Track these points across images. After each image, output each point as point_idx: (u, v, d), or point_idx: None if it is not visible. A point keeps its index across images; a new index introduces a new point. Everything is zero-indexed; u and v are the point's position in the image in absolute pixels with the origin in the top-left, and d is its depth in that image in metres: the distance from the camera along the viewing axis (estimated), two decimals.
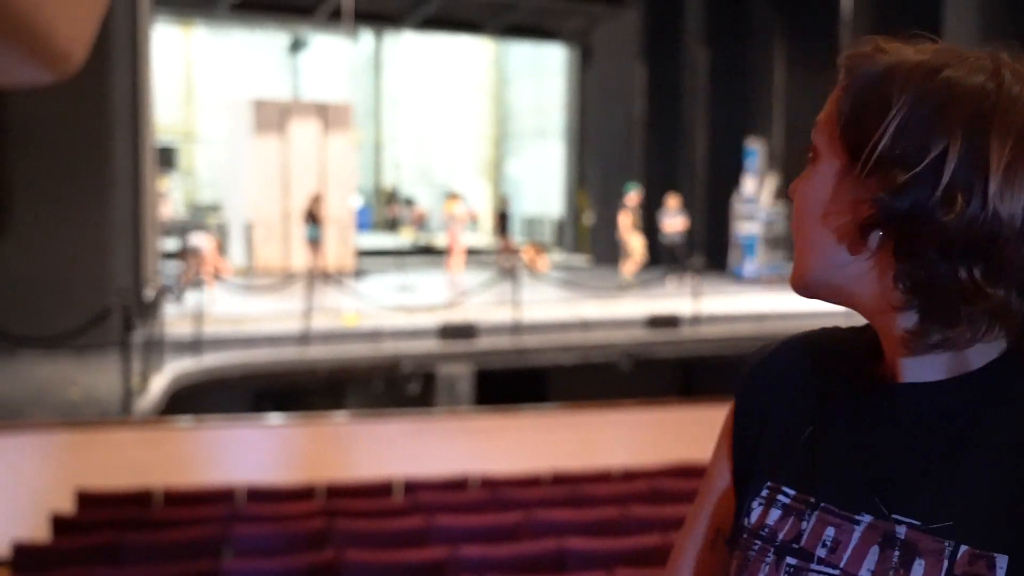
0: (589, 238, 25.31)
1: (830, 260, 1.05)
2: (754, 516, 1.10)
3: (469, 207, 30.11)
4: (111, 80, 11.69)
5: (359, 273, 19.80)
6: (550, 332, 13.45)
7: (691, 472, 7.59)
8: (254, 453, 8.56)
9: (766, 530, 1.08)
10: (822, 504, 1.05)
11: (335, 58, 32.83)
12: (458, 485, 7.17)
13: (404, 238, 30.15)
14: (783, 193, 20.40)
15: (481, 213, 31.79)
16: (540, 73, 30.48)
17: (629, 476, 7.43)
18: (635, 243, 18.41)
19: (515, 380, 13.46)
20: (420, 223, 30.94)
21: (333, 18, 22.41)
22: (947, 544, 0.97)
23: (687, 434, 9.43)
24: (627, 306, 14.99)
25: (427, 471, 7.67)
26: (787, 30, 21.04)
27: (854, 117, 1.03)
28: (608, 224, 23.69)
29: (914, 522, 0.99)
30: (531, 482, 7.24)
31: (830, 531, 1.03)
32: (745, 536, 1.10)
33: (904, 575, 0.98)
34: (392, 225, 32.99)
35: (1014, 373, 1.02)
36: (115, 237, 11.78)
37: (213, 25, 29.91)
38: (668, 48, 21.93)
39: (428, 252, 25.84)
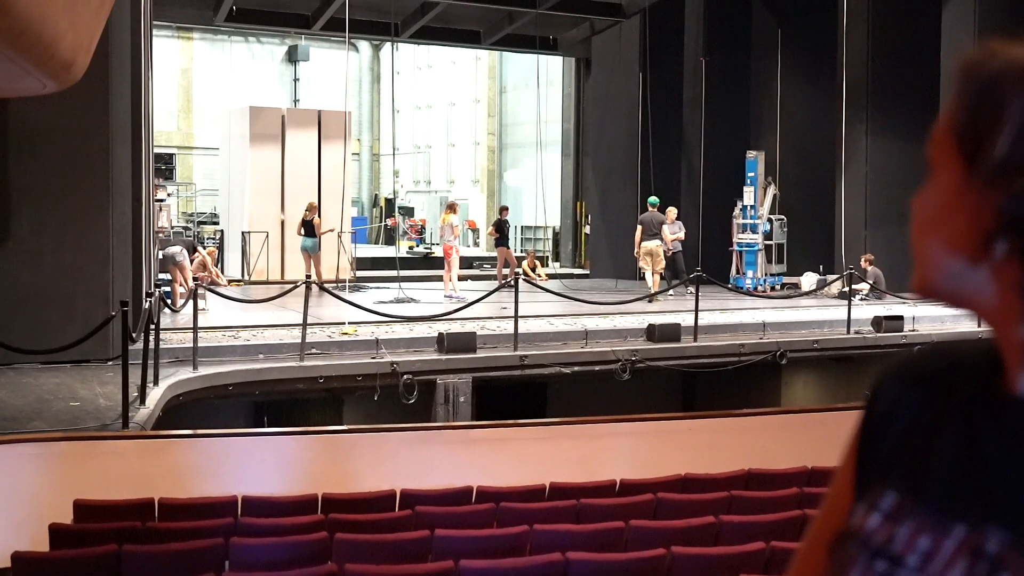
0: (588, 249, 25.32)
1: (951, 270, 1.02)
2: (856, 518, 1.08)
3: (467, 217, 30.15)
4: (112, 90, 11.67)
5: (356, 283, 19.76)
6: (550, 343, 13.43)
7: (692, 484, 7.56)
8: (253, 464, 8.52)
9: (864, 533, 1.06)
10: (920, 511, 1.03)
11: (333, 68, 32.87)
12: (459, 498, 7.13)
13: (402, 248, 30.17)
14: (782, 204, 20.43)
15: (479, 223, 31.80)
16: (539, 83, 30.52)
17: (630, 488, 7.40)
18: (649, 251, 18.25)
19: (515, 391, 13.43)
20: (418, 233, 30.95)
21: (331, 28, 22.42)
22: None
23: (688, 446, 9.41)
24: (627, 317, 14.97)
25: (427, 483, 7.63)
26: (787, 41, 21.08)
27: (969, 125, 1.00)
28: (607, 234, 23.70)
29: (1007, 534, 0.97)
30: (533, 495, 7.21)
31: (924, 541, 1.01)
32: (844, 538, 1.09)
33: None
34: (390, 235, 33.01)
35: None
36: (115, 248, 11.75)
37: (212, 35, 29.93)
38: (668, 59, 21.95)
39: (426, 262, 25.84)
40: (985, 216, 0.99)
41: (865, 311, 15.84)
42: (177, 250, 16.25)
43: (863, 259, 18.06)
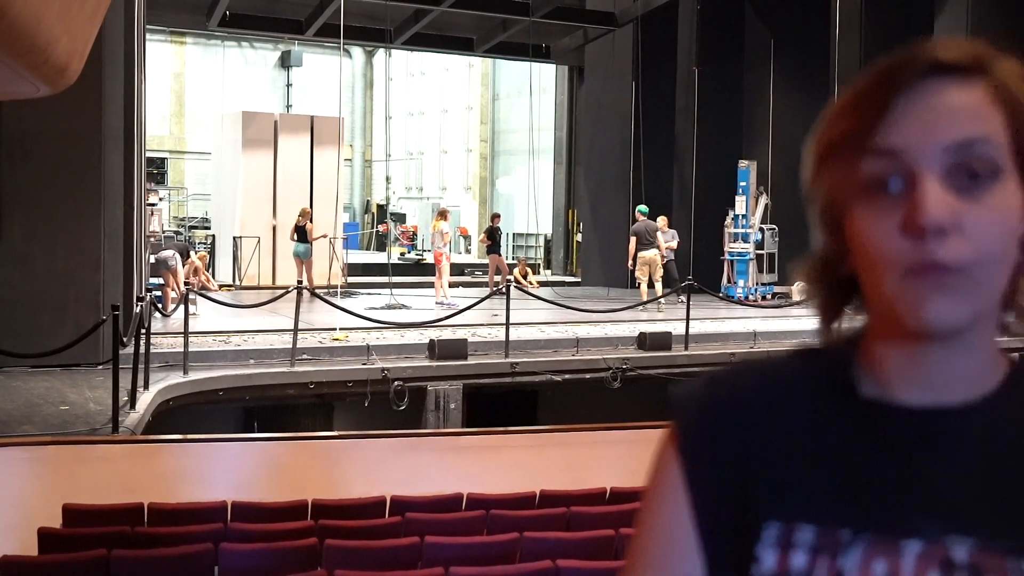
0: (579, 256, 25.35)
1: (1007, 278, 1.02)
2: (768, 564, 1.01)
3: (458, 224, 30.17)
4: (105, 94, 11.67)
5: (348, 289, 19.76)
6: (540, 350, 13.44)
7: None
8: (242, 470, 8.50)
9: (798, 573, 1.00)
10: (862, 537, 0.99)
11: (326, 74, 32.87)
12: (450, 505, 7.13)
13: (393, 254, 30.16)
14: (774, 213, 20.46)
15: (471, 230, 31.83)
16: (532, 91, 30.54)
17: (621, 496, 7.40)
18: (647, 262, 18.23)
19: (505, 398, 13.43)
20: (409, 239, 30.95)
21: (324, 34, 22.43)
22: (1010, 561, 0.96)
23: None
24: (618, 325, 14.98)
25: (416, 490, 7.62)
26: (779, 51, 21.15)
27: (1021, 129, 1.01)
28: (598, 242, 23.73)
29: (972, 542, 0.97)
30: (523, 502, 7.21)
31: (879, 567, 0.98)
32: None
33: None
34: (381, 241, 33.01)
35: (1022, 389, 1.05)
36: (107, 252, 11.73)
37: (205, 40, 29.93)
38: (660, 68, 22.00)
39: (417, 268, 25.85)
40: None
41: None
42: (169, 254, 16.23)
43: None
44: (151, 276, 15.55)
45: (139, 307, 10.28)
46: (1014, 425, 1.03)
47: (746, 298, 19.33)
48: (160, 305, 13.75)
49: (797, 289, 19.40)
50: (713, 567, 1.06)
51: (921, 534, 0.98)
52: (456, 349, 12.70)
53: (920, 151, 0.98)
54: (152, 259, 15.88)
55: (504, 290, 13.68)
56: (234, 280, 21.33)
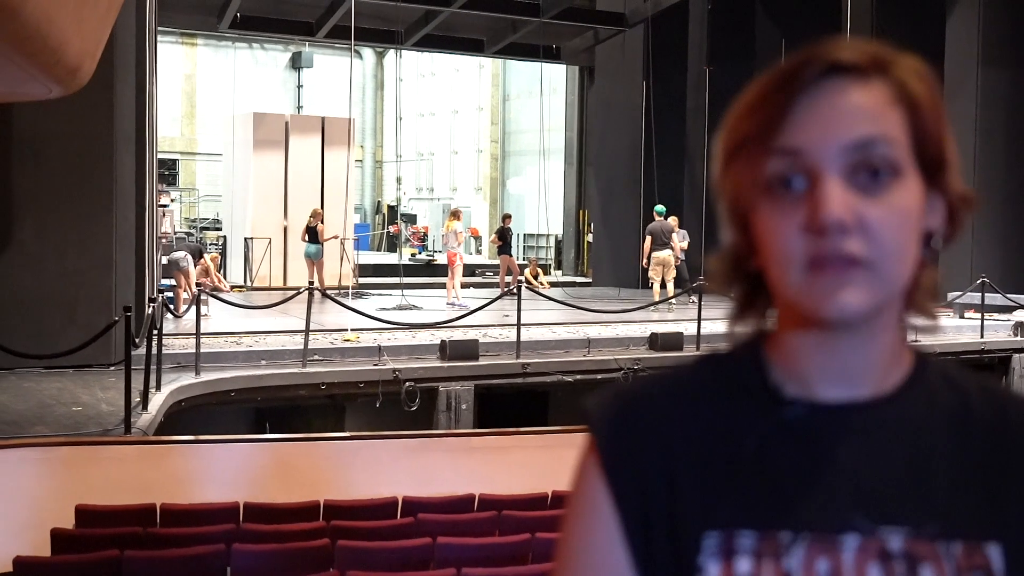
0: (590, 257, 25.34)
1: (909, 273, 1.04)
2: (716, 571, 1.01)
3: (470, 224, 30.18)
4: (116, 96, 11.70)
5: (359, 289, 19.77)
6: (552, 351, 13.43)
7: None
8: (254, 470, 8.51)
9: None
10: (801, 536, 1.01)
11: (336, 75, 32.91)
12: (461, 506, 7.13)
13: (404, 255, 30.20)
14: None
15: (482, 231, 31.84)
16: (542, 92, 30.56)
17: None
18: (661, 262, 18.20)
19: (516, 399, 13.43)
20: (420, 240, 30.98)
21: (335, 36, 22.45)
22: (941, 545, 1.00)
23: None
24: (629, 325, 14.97)
25: (428, 490, 7.62)
26: (790, 49, 20.95)
27: (920, 129, 1.04)
28: (609, 243, 23.72)
29: (904, 530, 1.00)
30: (535, 503, 7.20)
31: (822, 564, 0.99)
32: None
33: None
34: (392, 242, 33.05)
35: (927, 378, 1.09)
36: (118, 253, 11.76)
37: (216, 42, 29.99)
38: (671, 67, 21.98)
39: (428, 269, 25.86)
40: (931, 216, 1.06)
41: None
42: (182, 255, 16.27)
43: None
44: (163, 277, 15.59)
45: (151, 308, 10.30)
46: (924, 413, 1.07)
47: None
48: (172, 306, 13.77)
49: None
50: None
51: (856, 528, 1.01)
52: (467, 350, 12.70)
53: (821, 150, 1.00)
54: (164, 260, 15.92)
55: (515, 291, 13.67)
56: (245, 281, 21.36)
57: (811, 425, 1.05)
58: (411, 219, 33.57)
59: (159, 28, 15.00)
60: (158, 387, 10.28)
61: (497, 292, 16.53)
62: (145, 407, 9.52)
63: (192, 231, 27.31)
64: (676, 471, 1.06)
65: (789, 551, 1.00)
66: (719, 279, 1.14)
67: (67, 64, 4.12)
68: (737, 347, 1.14)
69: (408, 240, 30.66)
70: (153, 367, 10.18)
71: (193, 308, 11.95)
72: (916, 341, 1.14)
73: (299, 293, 12.78)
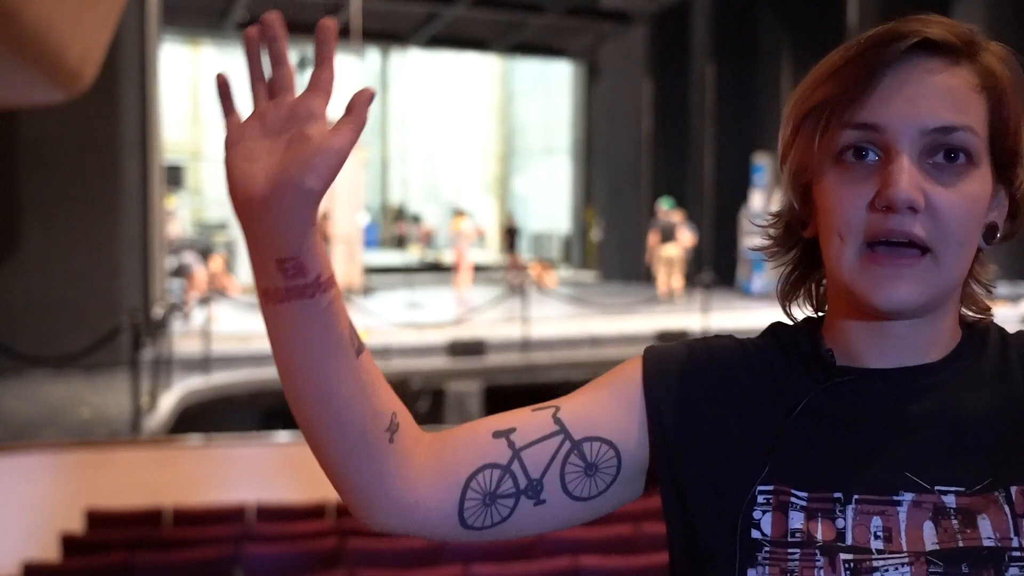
0: (596, 254, 25.32)
1: (968, 265, 1.05)
2: (767, 525, 1.01)
3: (476, 224, 30.17)
4: (120, 99, 11.73)
5: (367, 290, 19.79)
6: (559, 348, 13.43)
7: None
8: (264, 471, 8.53)
9: (798, 535, 1.00)
10: (856, 497, 1.01)
11: (342, 76, 32.88)
12: None
13: (412, 255, 30.18)
14: None
15: (488, 230, 31.84)
16: (547, 90, 30.56)
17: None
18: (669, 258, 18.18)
19: (524, 397, 13.36)
20: (428, 240, 30.98)
21: (340, 36, 22.40)
22: (998, 493, 0.99)
23: None
24: (636, 322, 14.96)
25: None
26: (794, 46, 21.06)
27: (1001, 120, 1.03)
28: (617, 240, 23.71)
29: (959, 489, 0.99)
30: None
31: (876, 521, 0.99)
32: (768, 548, 1.00)
33: (972, 534, 0.97)
34: (400, 242, 33.04)
35: (974, 342, 1.09)
36: (124, 256, 11.80)
37: (221, 44, 29.99)
38: (675, 64, 21.96)
39: (436, 269, 25.85)
40: (998, 209, 1.08)
41: None
42: (191, 257, 16.29)
43: None
44: (173, 279, 15.62)
45: (159, 310, 10.32)
46: (972, 374, 1.06)
47: (764, 293, 19.25)
48: (183, 308, 13.79)
49: None
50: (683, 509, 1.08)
51: (910, 486, 1.00)
52: (474, 348, 12.71)
53: (901, 130, 0.99)
54: (173, 263, 15.95)
55: (522, 288, 13.67)
56: (252, 283, 21.36)
57: (861, 390, 1.06)
58: (417, 219, 33.56)
59: (164, 31, 15.02)
60: (167, 389, 10.30)
61: (504, 290, 16.52)
62: (154, 410, 9.54)
63: (200, 235, 27.31)
64: (726, 422, 1.08)
65: (842, 510, 1.00)
66: (770, 245, 1.16)
67: (68, 69, 4.13)
68: (799, 322, 1.16)
69: (415, 240, 30.65)
70: (162, 369, 10.22)
71: (202, 310, 11.97)
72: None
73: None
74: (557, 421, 1.10)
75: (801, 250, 1.14)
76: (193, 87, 32.59)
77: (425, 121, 36.02)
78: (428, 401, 12.17)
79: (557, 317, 15.11)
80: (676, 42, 22.01)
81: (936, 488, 0.99)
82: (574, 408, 1.12)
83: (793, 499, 1.02)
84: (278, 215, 0.96)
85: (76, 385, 10.66)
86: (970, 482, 0.99)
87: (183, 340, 12.26)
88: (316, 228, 0.98)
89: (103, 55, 4.77)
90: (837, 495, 1.01)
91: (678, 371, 1.12)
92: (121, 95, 11.78)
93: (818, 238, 1.06)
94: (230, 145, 0.97)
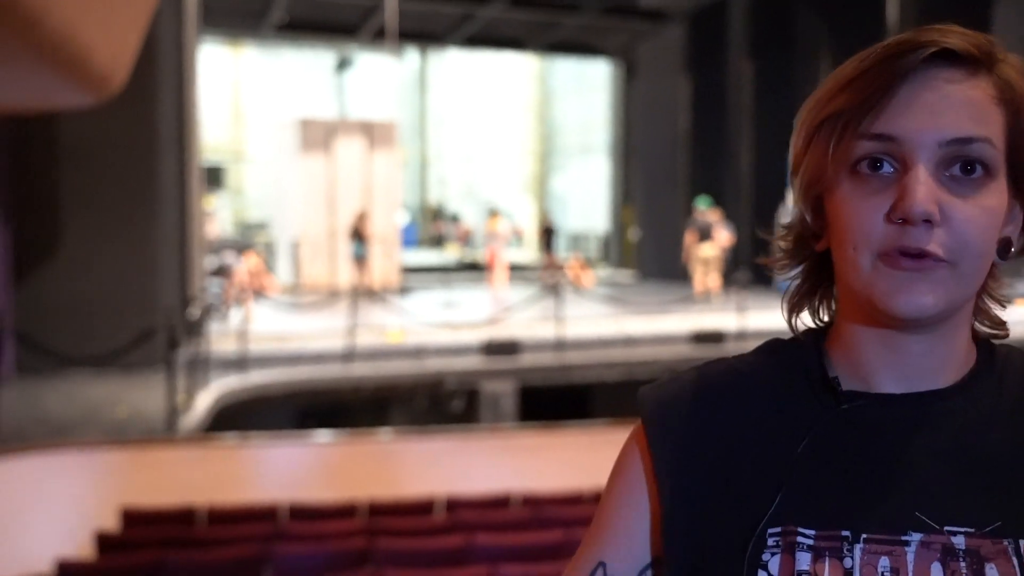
0: (634, 253, 25.27)
1: (983, 277, 1.03)
2: (775, 566, 0.99)
3: (513, 223, 30.20)
4: (157, 101, 11.84)
5: (404, 290, 19.88)
6: (594, 348, 13.41)
7: None
8: (298, 471, 8.59)
9: (805, 575, 0.98)
10: (864, 536, 0.98)
11: (381, 76, 33.05)
12: (500, 503, 7.15)
13: (450, 255, 30.25)
14: None
15: (526, 229, 31.85)
16: (584, 89, 30.53)
17: None
18: (706, 257, 18.11)
19: (559, 397, 13.42)
20: (466, 239, 31.05)
21: (379, 37, 22.57)
22: (1007, 542, 0.96)
23: None
24: (671, 322, 14.92)
25: (470, 488, 7.65)
26: (832, 42, 20.91)
27: (1019, 133, 1.01)
28: (654, 239, 23.65)
29: (969, 530, 0.97)
30: (573, 500, 7.21)
31: (884, 561, 0.96)
32: None
33: None
34: (438, 242, 33.13)
35: (995, 368, 1.06)
36: (162, 256, 11.91)
37: (261, 45, 30.19)
38: (712, 62, 21.88)
39: (473, 268, 25.92)
40: (1014, 224, 1.06)
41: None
42: (230, 257, 16.43)
43: None
44: (213, 278, 15.75)
45: (196, 310, 10.41)
46: (990, 405, 1.03)
47: None
48: (219, 307, 13.89)
49: None
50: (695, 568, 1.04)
51: (918, 527, 0.98)
52: (509, 347, 12.71)
53: (918, 141, 0.97)
54: (214, 262, 16.09)
55: (557, 288, 13.67)
56: (292, 282, 21.51)
57: (871, 419, 1.03)
58: (455, 218, 33.64)
59: (204, 32, 15.13)
60: (203, 389, 10.38)
61: (539, 290, 16.52)
62: (190, 409, 9.62)
63: (241, 235, 27.50)
64: (732, 460, 1.05)
65: (850, 549, 0.98)
66: (781, 257, 1.13)
67: (96, 72, 4.17)
68: (799, 335, 1.12)
69: (453, 239, 30.72)
70: (198, 369, 10.30)
71: (240, 309, 12.05)
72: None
73: (344, 294, 12.85)
74: None
75: (812, 263, 1.11)
76: (235, 88, 32.82)
77: (463, 121, 36.09)
78: (463, 401, 12.19)
79: (592, 317, 15.09)
80: (713, 39, 21.91)
81: (946, 528, 0.97)
82: (613, 552, 1.08)
83: (800, 538, 0.99)
84: None
85: (114, 384, 10.77)
86: (980, 523, 0.97)
87: (220, 339, 12.36)
88: None
89: (133, 58, 4.82)
90: (845, 533, 0.98)
91: (679, 431, 1.09)
92: (159, 96, 11.89)
93: (830, 251, 1.04)
94: None
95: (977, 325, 1.09)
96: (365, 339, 12.84)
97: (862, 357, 1.05)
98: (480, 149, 35.97)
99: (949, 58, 0.99)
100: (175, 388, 9.25)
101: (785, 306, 1.14)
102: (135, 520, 6.99)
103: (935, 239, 0.96)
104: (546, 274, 19.75)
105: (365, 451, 9.12)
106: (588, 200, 30.00)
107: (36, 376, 10.81)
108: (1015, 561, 0.95)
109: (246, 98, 33.11)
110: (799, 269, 1.12)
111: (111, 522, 7.17)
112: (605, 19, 23.59)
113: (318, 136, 22.05)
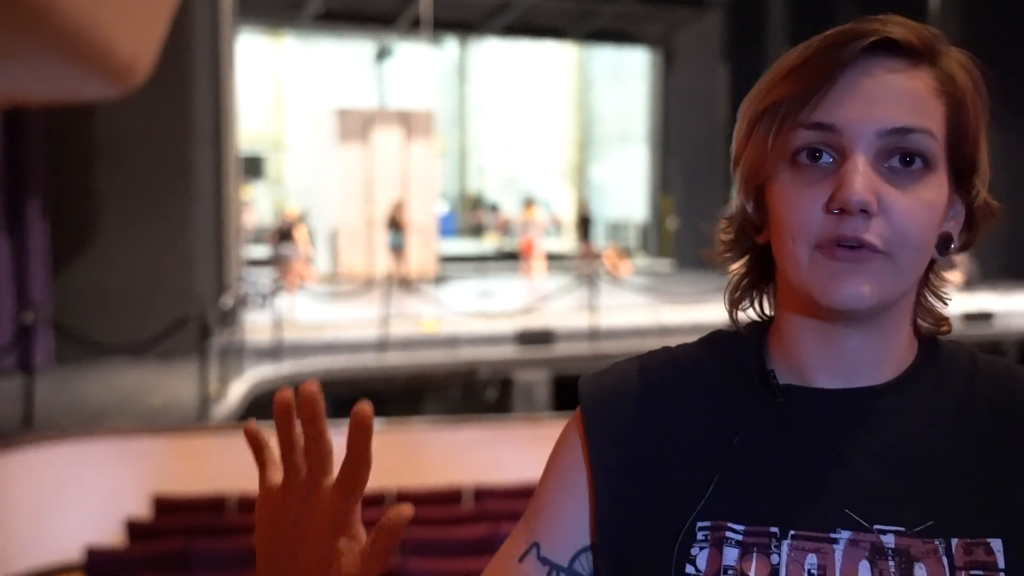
0: (673, 242, 25.18)
1: (922, 270, 1.01)
2: (703, 561, 0.98)
3: (552, 213, 30.16)
4: (193, 92, 11.91)
5: (441, 279, 19.92)
6: (629, 338, 13.37)
7: None
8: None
9: (731, 572, 0.96)
10: (792, 532, 0.96)
11: (420, 66, 33.09)
12: (528, 493, 7.13)
13: (488, 244, 30.26)
14: None
15: (565, 218, 31.82)
16: (623, 77, 30.42)
17: None
18: None
19: None
20: (504, 229, 31.05)
21: (415, 26, 22.60)
22: (938, 542, 0.94)
23: None
24: (708, 311, 14.84)
25: (502, 478, 7.66)
26: None
27: (960, 127, 0.99)
28: (692, 228, 23.54)
29: (899, 529, 0.95)
30: None
31: (812, 558, 0.95)
32: None
33: None
34: (477, 231, 33.15)
35: (937, 364, 1.05)
36: (198, 246, 11.99)
37: (301, 35, 30.30)
38: (751, 50, 21.73)
39: (511, 258, 25.92)
40: (954, 218, 1.04)
41: (954, 305, 15.36)
42: (289, 248, 16.54)
43: None
44: (265, 268, 15.85)
45: (228, 300, 10.47)
46: (928, 402, 1.02)
47: None
48: (266, 295, 13.95)
49: None
50: (626, 560, 1.03)
51: (848, 525, 0.96)
52: (544, 337, 12.71)
53: (857, 131, 0.95)
54: (274, 253, 16.26)
55: (592, 277, 13.64)
56: (329, 271, 21.60)
57: (807, 415, 1.01)
58: (494, 208, 33.66)
59: (242, 24, 15.22)
60: (238, 377, 10.45)
61: (576, 279, 16.50)
62: (223, 398, 9.69)
63: (282, 225, 27.61)
64: (667, 452, 1.04)
65: (778, 545, 0.96)
66: (720, 250, 1.11)
67: (117, 63, 4.19)
68: (742, 328, 1.11)
69: (491, 229, 30.74)
70: (233, 358, 10.37)
71: (275, 299, 12.12)
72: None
73: (381, 283, 12.89)
74: (544, 561, 1.06)
75: (753, 256, 1.09)
76: (275, 78, 32.97)
77: (503, 110, 36.07)
78: (496, 391, 12.19)
79: (628, 306, 15.04)
80: (752, 27, 21.77)
81: (875, 527, 0.95)
82: (547, 534, 1.07)
83: (729, 533, 0.98)
84: None
85: (149, 373, 10.86)
86: (912, 522, 0.95)
87: (257, 329, 12.44)
88: None
89: (157, 50, 4.84)
90: (774, 529, 0.97)
91: (616, 422, 1.07)
92: (194, 88, 11.96)
93: (771, 243, 1.02)
94: (259, 505, 0.93)
95: (920, 321, 1.07)
96: (399, 328, 12.87)
97: (799, 351, 1.03)
98: (519, 138, 35.94)
99: (891, 48, 0.98)
100: (207, 377, 9.31)
101: (726, 299, 1.11)
102: (166, 508, 7.05)
103: (872, 230, 0.94)
104: (583, 263, 19.71)
105: (397, 440, 9.14)
106: (626, 189, 29.90)
107: (73, 365, 10.93)
108: (945, 561, 0.93)
109: (287, 88, 33.24)
110: (741, 262, 1.10)
111: (143, 509, 7.24)
112: (644, 7, 23.50)
113: (356, 126, 22.12)
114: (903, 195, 0.95)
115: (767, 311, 1.11)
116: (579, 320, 13.79)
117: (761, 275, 1.10)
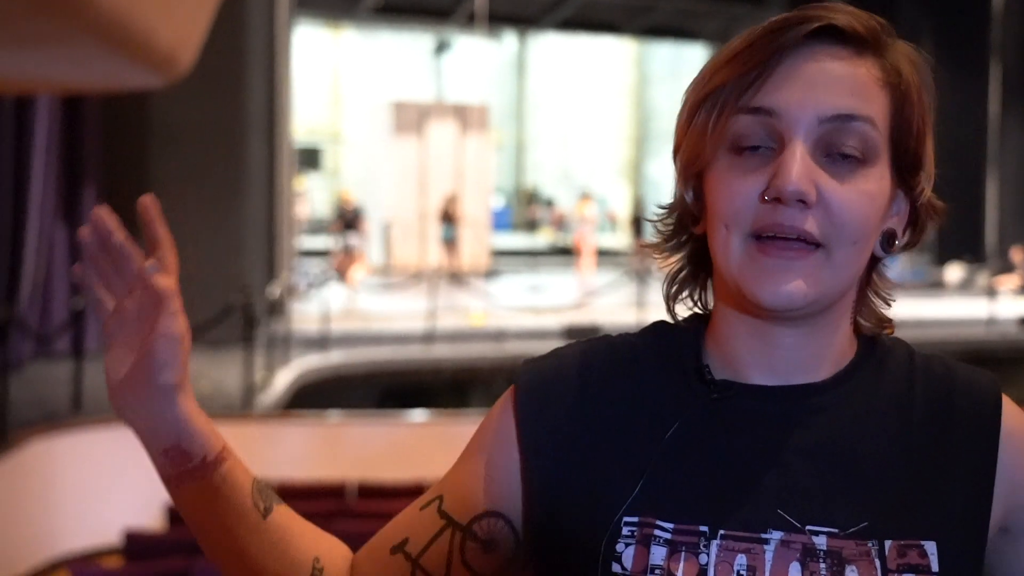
0: None
1: (860, 267, 0.98)
2: (629, 559, 0.95)
3: (607, 208, 30.09)
4: (247, 82, 12.00)
5: (492, 273, 19.94)
6: None
7: None
8: (373, 450, 8.67)
9: (658, 571, 0.93)
10: (722, 532, 0.94)
11: (479, 60, 33.12)
12: None
13: (542, 239, 30.24)
14: None
15: (620, 214, 31.75)
16: (681, 74, 30.25)
17: None
18: None
19: None
20: (559, 224, 31.01)
21: (475, 20, 22.66)
22: (871, 544, 0.92)
23: None
24: None
25: None
26: (935, 31, 20.46)
27: (903, 120, 0.98)
28: None
29: (832, 530, 0.93)
30: None
31: (741, 559, 0.92)
32: None
33: None
34: (532, 226, 33.12)
35: (876, 363, 1.02)
36: (248, 236, 12.09)
37: (360, 27, 30.44)
38: None
39: (564, 253, 25.90)
40: (897, 214, 1.03)
41: (1014, 307, 15.08)
42: (356, 239, 16.71)
43: (1014, 250, 17.30)
44: (326, 258, 16.00)
45: (275, 289, 10.55)
46: (864, 402, 0.99)
47: (899, 283, 18.71)
48: (322, 285, 14.07)
49: (950, 271, 18.78)
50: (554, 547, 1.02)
51: (779, 525, 0.94)
52: (590, 332, 12.68)
53: (796, 116, 0.93)
54: (341, 244, 16.47)
55: (640, 274, 13.60)
56: (382, 263, 21.73)
57: (741, 411, 0.99)
58: (549, 203, 33.63)
59: (301, 16, 15.32)
60: (285, 366, 10.54)
61: (627, 275, 16.45)
62: (269, 387, 9.77)
63: (345, 212, 27.80)
64: (600, 444, 1.01)
65: (707, 545, 0.94)
66: (658, 241, 1.10)
67: (158, 53, 4.24)
68: (682, 321, 1.09)
69: (545, 224, 30.73)
70: (280, 347, 10.45)
71: (323, 289, 12.20)
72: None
73: (432, 276, 12.93)
74: (442, 514, 1.07)
75: (692, 247, 1.07)
76: (334, 71, 33.15)
77: (560, 105, 36.02)
78: None
79: None
80: None
81: (807, 528, 0.93)
82: (455, 491, 1.08)
83: (657, 531, 0.95)
84: (147, 413, 0.96)
85: (197, 360, 10.92)
86: (845, 523, 0.93)
87: (305, 319, 12.53)
88: (190, 411, 0.98)
89: (200, 40, 4.88)
90: (703, 528, 0.94)
91: (551, 410, 1.05)
92: (248, 78, 12.06)
93: (708, 234, 1.00)
94: (106, 351, 0.98)
95: (861, 321, 1.05)
96: (447, 321, 12.91)
97: (734, 347, 1.01)
98: (576, 133, 35.88)
99: (836, 36, 0.96)
100: (253, 365, 9.40)
101: (664, 292, 1.10)
102: None
103: (809, 220, 0.92)
104: (635, 259, 19.65)
105: (443, 432, 9.17)
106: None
107: None
108: (878, 564, 0.91)
109: (345, 81, 33.39)
110: (681, 254, 1.08)
111: None
112: (702, 3, 23.38)
113: (411, 119, 22.20)
114: (842, 186, 0.93)
115: (710, 303, 1.08)
116: (627, 316, 13.75)
117: (700, 267, 1.08)
